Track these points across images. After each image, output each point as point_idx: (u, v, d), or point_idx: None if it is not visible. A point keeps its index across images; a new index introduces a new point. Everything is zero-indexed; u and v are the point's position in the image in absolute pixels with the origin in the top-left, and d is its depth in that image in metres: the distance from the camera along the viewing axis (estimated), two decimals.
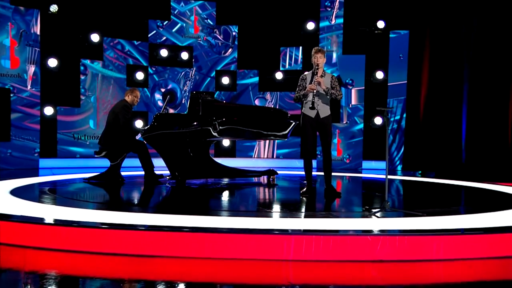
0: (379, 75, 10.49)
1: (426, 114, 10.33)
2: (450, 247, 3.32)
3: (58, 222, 3.60)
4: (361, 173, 9.64)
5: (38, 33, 9.32)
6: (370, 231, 3.49)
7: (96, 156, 6.84)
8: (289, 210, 4.70)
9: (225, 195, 5.85)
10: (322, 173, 5.52)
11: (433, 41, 10.25)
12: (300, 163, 9.84)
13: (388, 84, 10.53)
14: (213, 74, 11.24)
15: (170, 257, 3.24)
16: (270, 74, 11.18)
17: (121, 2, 10.54)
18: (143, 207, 4.96)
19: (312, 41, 10.73)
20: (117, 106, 6.78)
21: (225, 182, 7.06)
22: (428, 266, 3.20)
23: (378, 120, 10.28)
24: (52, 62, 9.64)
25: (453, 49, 10.08)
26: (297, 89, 5.40)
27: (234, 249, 3.24)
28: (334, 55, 10.69)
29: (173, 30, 11.06)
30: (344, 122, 10.64)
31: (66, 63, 9.97)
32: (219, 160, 7.18)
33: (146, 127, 6.55)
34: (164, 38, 10.99)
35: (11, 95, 9.11)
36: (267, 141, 11.21)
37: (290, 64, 11.24)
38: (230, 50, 11.34)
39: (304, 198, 5.28)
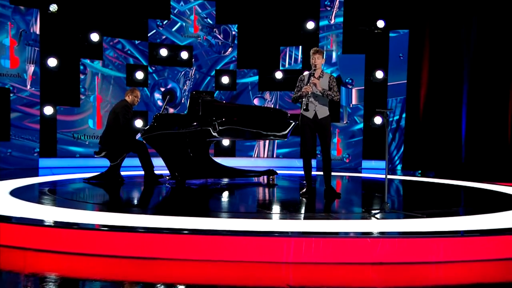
0: (379, 74, 10.48)
1: (425, 114, 10.34)
2: (450, 249, 3.32)
3: (58, 224, 3.60)
4: (360, 172, 9.64)
5: (38, 32, 9.31)
6: (370, 233, 3.49)
7: (96, 156, 6.84)
8: (288, 211, 4.70)
9: (225, 196, 5.85)
10: (322, 173, 5.53)
11: (433, 40, 10.25)
12: (300, 162, 9.87)
13: (388, 83, 10.53)
14: (213, 73, 11.23)
15: (170, 259, 3.25)
16: (270, 74, 11.17)
17: (121, 1, 10.53)
18: (142, 208, 4.96)
19: (312, 40, 10.72)
20: (117, 106, 6.78)
21: (225, 182, 7.06)
22: (428, 268, 3.20)
23: (378, 120, 10.28)
24: (52, 62, 9.63)
25: (453, 48, 10.08)
26: (295, 89, 5.41)
27: (233, 251, 3.24)
28: (334, 55, 10.68)
29: (173, 29, 11.05)
30: (344, 122, 10.64)
31: (65, 62, 9.96)
32: (219, 160, 7.18)
33: (146, 127, 6.56)
34: (164, 37, 10.98)
35: (11, 94, 9.11)
36: (267, 141, 11.21)
37: (290, 63, 11.23)
38: (230, 49, 11.33)
39: (303, 199, 5.28)
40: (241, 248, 3.24)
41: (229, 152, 11.15)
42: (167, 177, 6.78)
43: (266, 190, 6.48)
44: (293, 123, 6.47)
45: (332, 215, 4.45)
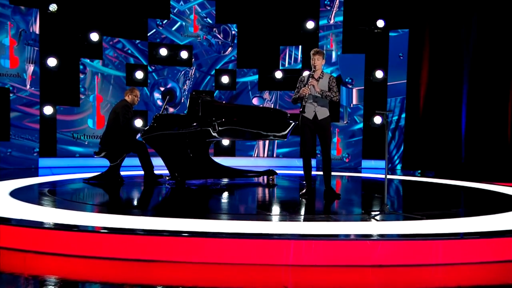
0: (379, 74, 10.48)
1: (425, 113, 10.33)
2: (450, 251, 3.32)
3: (58, 227, 3.60)
4: (360, 172, 9.65)
5: (38, 32, 9.30)
6: (370, 235, 3.49)
7: (95, 156, 6.84)
8: (288, 213, 4.70)
9: (225, 196, 5.85)
10: (322, 173, 5.52)
11: (433, 40, 10.24)
12: (299, 162, 9.87)
13: (388, 83, 10.52)
14: (212, 72, 11.23)
15: (169, 261, 3.25)
16: (270, 73, 11.17)
17: (121, 1, 10.53)
18: (142, 210, 4.96)
19: (312, 40, 10.72)
20: (117, 106, 6.78)
21: (225, 183, 7.06)
22: (427, 271, 3.20)
23: (377, 120, 10.27)
24: (52, 62, 9.63)
25: (453, 48, 10.07)
26: (295, 90, 5.41)
27: (233, 253, 3.25)
28: (334, 54, 10.68)
29: (173, 29, 11.04)
30: (345, 122, 10.64)
31: (65, 62, 9.95)
32: (219, 159, 7.18)
33: (146, 128, 6.55)
34: (164, 36, 10.98)
35: (11, 94, 9.11)
36: (267, 141, 11.21)
37: (289, 63, 11.23)
38: (229, 49, 11.32)
39: (303, 200, 5.28)
40: (240, 251, 3.25)
41: (229, 152, 11.15)
42: (167, 177, 6.77)
43: (266, 190, 6.48)
44: (293, 123, 6.47)
45: (331, 216, 4.45)
